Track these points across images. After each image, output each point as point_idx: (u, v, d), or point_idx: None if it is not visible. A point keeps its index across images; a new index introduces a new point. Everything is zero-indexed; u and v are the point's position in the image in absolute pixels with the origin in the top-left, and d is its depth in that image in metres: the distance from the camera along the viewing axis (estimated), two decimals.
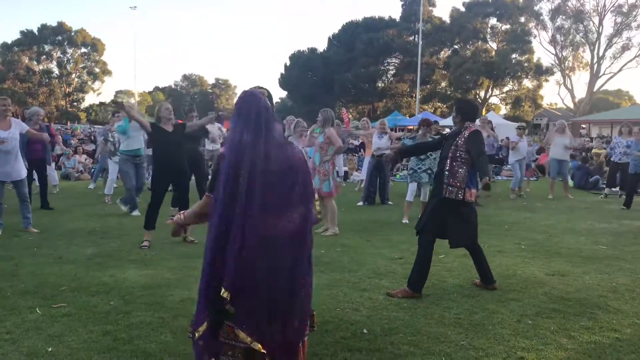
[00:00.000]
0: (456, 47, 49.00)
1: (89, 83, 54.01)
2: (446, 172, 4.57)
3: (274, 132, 2.62)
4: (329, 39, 52.04)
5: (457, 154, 4.57)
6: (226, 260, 2.49)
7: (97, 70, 53.52)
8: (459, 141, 4.60)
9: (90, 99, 60.13)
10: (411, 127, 25.41)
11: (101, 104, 54.71)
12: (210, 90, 60.02)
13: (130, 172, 8.62)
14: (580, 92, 53.46)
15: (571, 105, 47.59)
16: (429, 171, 8.13)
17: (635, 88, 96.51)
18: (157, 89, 63.17)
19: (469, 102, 5.05)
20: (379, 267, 5.50)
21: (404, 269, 5.29)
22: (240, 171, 2.51)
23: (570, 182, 12.93)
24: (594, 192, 13.01)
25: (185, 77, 59.91)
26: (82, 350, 3.44)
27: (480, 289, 4.80)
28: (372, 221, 8.39)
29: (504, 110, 49.70)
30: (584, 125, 39.92)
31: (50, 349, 3.43)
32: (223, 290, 2.48)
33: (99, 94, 58.03)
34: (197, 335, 2.58)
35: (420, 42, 39.91)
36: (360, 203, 10.31)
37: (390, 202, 10.35)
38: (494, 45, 47.68)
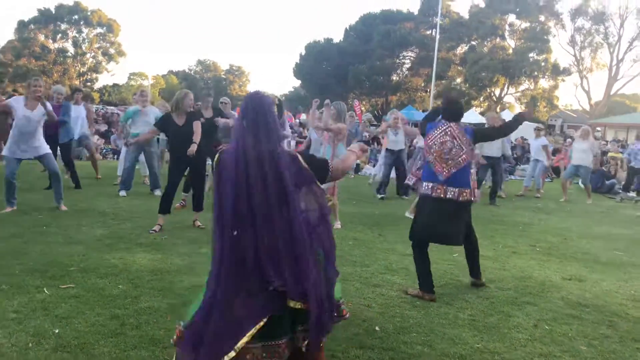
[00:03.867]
0: (473, 43, 48.39)
1: (103, 64, 54.03)
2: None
3: (272, 137, 2.59)
4: (346, 29, 51.64)
5: None
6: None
7: (112, 51, 53.51)
8: None
9: (104, 80, 60.35)
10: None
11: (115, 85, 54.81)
12: (223, 76, 59.92)
13: (132, 154, 8.67)
14: (597, 95, 52.90)
15: (587, 107, 47.04)
16: None
17: None
18: (170, 72, 63.15)
19: (457, 103, 4.83)
20: (392, 263, 5.40)
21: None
22: (240, 172, 2.53)
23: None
24: (609, 196, 12.82)
25: (200, 62, 59.94)
26: (89, 333, 3.37)
27: (494, 289, 4.69)
28: (385, 215, 8.26)
29: (518, 109, 49.21)
30: (599, 128, 39.46)
31: (57, 331, 3.37)
32: None
33: (113, 75, 58.09)
34: None
35: (438, 37, 39.50)
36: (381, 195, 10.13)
37: (406, 197, 10.20)
38: (511, 43, 47.09)
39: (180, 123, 6.19)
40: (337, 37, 53.22)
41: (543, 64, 45.45)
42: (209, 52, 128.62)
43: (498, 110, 40.85)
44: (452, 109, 4.61)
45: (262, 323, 2.43)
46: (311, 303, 2.46)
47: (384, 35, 47.82)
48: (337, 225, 7.05)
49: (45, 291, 4.08)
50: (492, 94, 46.42)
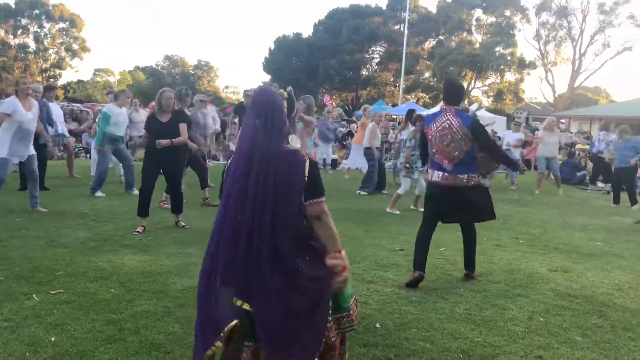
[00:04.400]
0: (441, 37, 48.95)
1: (67, 60, 52.67)
2: None
3: (276, 134, 2.49)
4: (315, 24, 51.56)
5: None
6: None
7: (75, 47, 52.19)
8: None
9: (67, 76, 58.89)
10: (395, 117, 25.32)
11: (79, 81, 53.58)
12: (191, 72, 59.09)
13: (108, 155, 8.52)
14: (561, 88, 54.16)
15: (551, 100, 48.10)
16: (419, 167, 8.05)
17: (611, 85, 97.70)
18: (137, 68, 61.98)
19: (455, 84, 4.92)
20: (382, 259, 5.42)
21: (407, 260, 5.21)
22: (249, 168, 2.44)
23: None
24: (580, 187, 13.14)
25: (167, 57, 58.91)
26: (86, 340, 3.29)
27: (485, 283, 4.76)
28: (368, 210, 8.30)
29: (485, 102, 50.00)
30: (563, 120, 40.41)
31: (53, 339, 3.28)
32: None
33: (77, 71, 56.70)
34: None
35: (406, 32, 39.78)
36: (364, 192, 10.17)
37: (385, 192, 10.26)
38: (478, 38, 47.79)
39: (163, 120, 6.09)
40: (306, 31, 53.13)
41: (509, 57, 46.26)
42: (177, 48, 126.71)
43: (467, 103, 41.38)
44: (451, 90, 4.75)
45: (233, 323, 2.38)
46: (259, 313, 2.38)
47: (353, 30, 47.90)
48: None
49: (35, 297, 3.97)
50: None
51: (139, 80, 58.03)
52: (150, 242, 5.77)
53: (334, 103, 30.14)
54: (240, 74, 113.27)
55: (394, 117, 25.66)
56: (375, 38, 49.58)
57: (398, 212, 8.13)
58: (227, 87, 65.70)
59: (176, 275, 4.62)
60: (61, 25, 50.84)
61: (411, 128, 8.31)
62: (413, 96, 48.65)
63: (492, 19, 46.88)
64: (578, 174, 13.58)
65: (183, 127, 6.20)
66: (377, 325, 3.70)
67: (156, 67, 58.38)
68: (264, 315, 2.37)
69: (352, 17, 49.16)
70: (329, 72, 49.53)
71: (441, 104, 4.93)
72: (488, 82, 49.32)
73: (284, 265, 2.41)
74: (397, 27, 49.78)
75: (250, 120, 2.52)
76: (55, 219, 6.70)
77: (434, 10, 48.46)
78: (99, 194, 8.38)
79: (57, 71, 52.17)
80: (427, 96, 48.96)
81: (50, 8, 48.85)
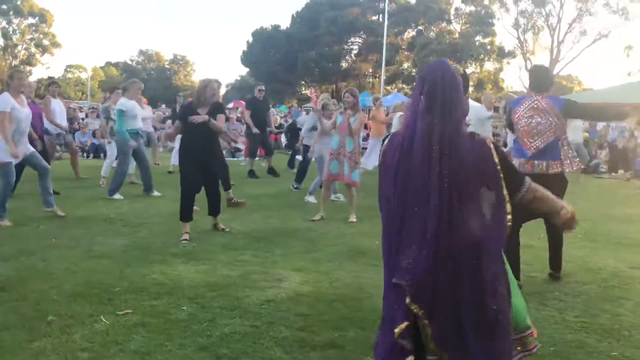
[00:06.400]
0: (420, 28, 48.86)
1: (37, 56, 51.02)
2: None
3: (455, 116, 2.12)
4: (292, 16, 50.90)
5: None
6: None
7: (45, 42, 50.56)
8: None
9: (38, 73, 56.99)
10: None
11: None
12: (167, 66, 57.89)
13: (129, 154, 7.99)
14: None
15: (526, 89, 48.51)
16: None
17: (583, 73, 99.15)
18: (109, 64, 60.52)
19: (542, 72, 4.65)
20: None
21: None
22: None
23: None
24: (595, 175, 13.03)
25: (141, 52, 57.52)
26: None
27: (575, 284, 4.45)
28: None
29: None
30: None
31: None
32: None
33: (48, 67, 54.95)
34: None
35: (386, 22, 39.49)
36: None
37: None
38: (457, 27, 47.83)
39: (201, 112, 5.61)
40: (284, 23, 52.44)
41: (489, 47, 46.48)
42: (151, 43, 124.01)
43: None
44: (538, 79, 4.46)
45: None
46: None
47: (331, 21, 47.40)
48: (353, 218, 6.71)
49: (103, 320, 3.49)
50: None
51: (111, 76, 56.61)
52: (197, 249, 5.30)
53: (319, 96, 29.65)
54: (218, 67, 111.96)
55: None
56: (354, 29, 49.20)
57: None
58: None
59: (245, 287, 4.18)
60: (30, 20, 49.19)
61: None
62: (394, 87, 48.48)
63: (470, 8, 46.94)
64: (591, 163, 13.49)
65: (221, 117, 5.77)
66: None
67: (130, 63, 56.99)
68: (441, 324, 2.08)
69: (330, 8, 48.63)
70: (308, 65, 49.01)
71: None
72: (468, 71, 49.42)
73: (470, 273, 2.08)
74: (375, 17, 49.47)
75: (424, 103, 2.13)
76: (81, 225, 6.17)
77: (412, 0, 48.28)
78: (117, 196, 7.83)
79: (27, 68, 50.41)
80: (407, 87, 48.83)
81: (19, 3, 47.16)
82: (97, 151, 14.29)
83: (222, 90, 56.65)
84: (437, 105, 2.11)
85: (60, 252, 5.04)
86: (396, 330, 2.07)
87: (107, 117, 9.30)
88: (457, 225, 2.05)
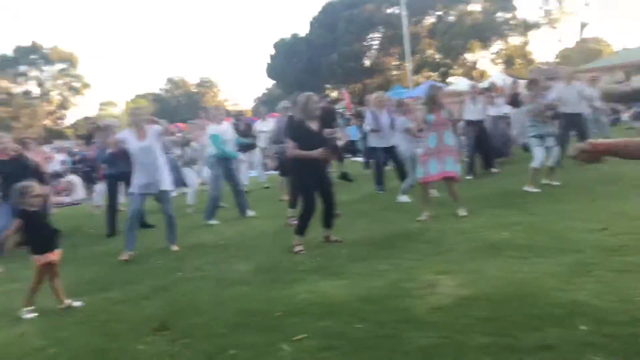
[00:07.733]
0: (439, 13, 48.39)
1: (70, 99, 52.46)
2: None
3: None
4: (311, 22, 51.06)
5: None
6: None
7: (76, 84, 51.98)
8: None
9: (74, 115, 58.54)
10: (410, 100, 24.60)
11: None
12: (194, 90, 58.67)
13: (220, 178, 8.01)
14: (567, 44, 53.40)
15: (560, 58, 47.44)
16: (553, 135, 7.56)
17: (608, 35, 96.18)
18: (138, 96, 61.65)
19: None
20: (601, 243, 4.73)
21: (620, 240, 4.67)
22: None
23: None
24: None
25: (169, 80, 58.50)
26: None
27: None
28: (504, 193, 7.59)
29: (496, 69, 49.31)
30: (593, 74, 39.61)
31: None
32: None
33: (76, 106, 56.39)
34: None
35: (404, 13, 39.13)
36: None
37: (495, 170, 9.72)
38: (477, 7, 47.13)
39: (315, 128, 5.58)
40: (303, 30, 52.59)
41: (512, 21, 45.73)
42: (175, 69, 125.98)
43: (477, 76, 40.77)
44: None
45: None
46: None
47: (348, 20, 47.44)
48: (463, 212, 6.51)
49: (284, 347, 3.44)
50: (465, 60, 46.59)
51: (144, 107, 57.66)
52: (324, 263, 5.25)
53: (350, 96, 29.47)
54: (244, 83, 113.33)
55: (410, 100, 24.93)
56: (372, 24, 49.05)
57: (537, 189, 7.40)
58: (226, 100, 65.30)
59: (402, 297, 4.09)
60: (60, 66, 50.62)
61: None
62: (422, 76, 48.03)
63: None
64: None
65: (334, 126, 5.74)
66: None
67: (160, 92, 58.04)
68: None
69: (346, 8, 48.61)
70: (332, 67, 49.04)
71: None
72: (494, 49, 48.69)
73: None
74: (390, 10, 49.15)
75: None
76: (196, 255, 6.22)
77: None
78: (212, 221, 7.88)
79: (63, 112, 51.94)
80: (435, 74, 48.34)
81: (47, 51, 48.66)
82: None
83: (251, 105, 57.31)
84: None
85: (193, 284, 5.07)
86: None
87: (184, 144, 9.42)
88: None
